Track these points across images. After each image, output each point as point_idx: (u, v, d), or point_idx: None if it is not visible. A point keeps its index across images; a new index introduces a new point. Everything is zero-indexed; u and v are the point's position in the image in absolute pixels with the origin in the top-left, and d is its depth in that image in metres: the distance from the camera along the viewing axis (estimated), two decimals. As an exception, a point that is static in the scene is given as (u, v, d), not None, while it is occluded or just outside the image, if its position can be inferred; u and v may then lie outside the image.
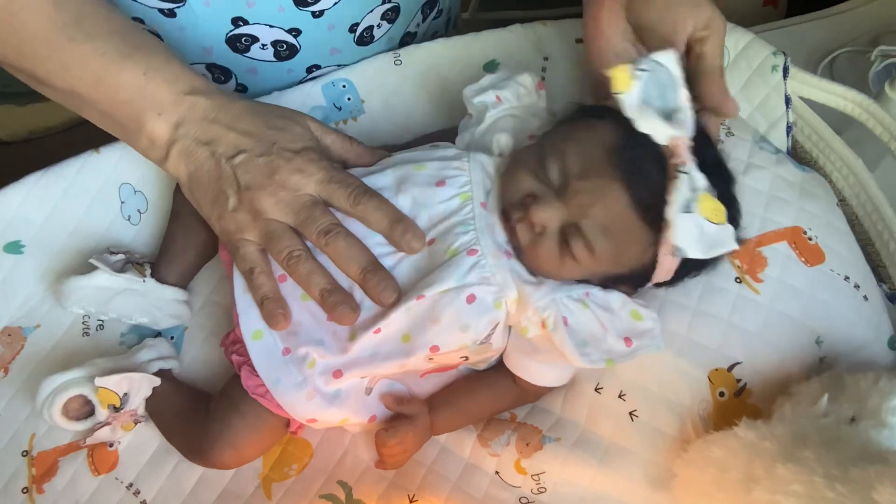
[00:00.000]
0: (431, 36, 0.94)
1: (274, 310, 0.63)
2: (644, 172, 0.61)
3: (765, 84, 0.80)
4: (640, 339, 0.63)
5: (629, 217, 0.61)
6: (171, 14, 0.74)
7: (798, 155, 0.81)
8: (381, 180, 0.67)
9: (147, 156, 0.66)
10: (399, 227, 0.62)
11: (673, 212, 0.58)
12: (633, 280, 0.66)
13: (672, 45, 0.65)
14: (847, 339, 0.69)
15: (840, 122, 0.79)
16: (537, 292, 0.63)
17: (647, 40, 0.69)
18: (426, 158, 0.68)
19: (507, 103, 0.72)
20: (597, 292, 0.64)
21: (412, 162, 0.68)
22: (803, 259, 0.71)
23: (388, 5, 0.81)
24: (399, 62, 0.84)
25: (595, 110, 0.68)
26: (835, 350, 0.68)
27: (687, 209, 0.58)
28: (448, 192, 0.65)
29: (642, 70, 0.59)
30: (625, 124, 0.62)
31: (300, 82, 0.83)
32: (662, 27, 0.67)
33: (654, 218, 0.61)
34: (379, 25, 0.83)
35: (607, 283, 0.65)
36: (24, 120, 1.38)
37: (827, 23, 1.04)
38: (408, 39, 0.89)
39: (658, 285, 0.68)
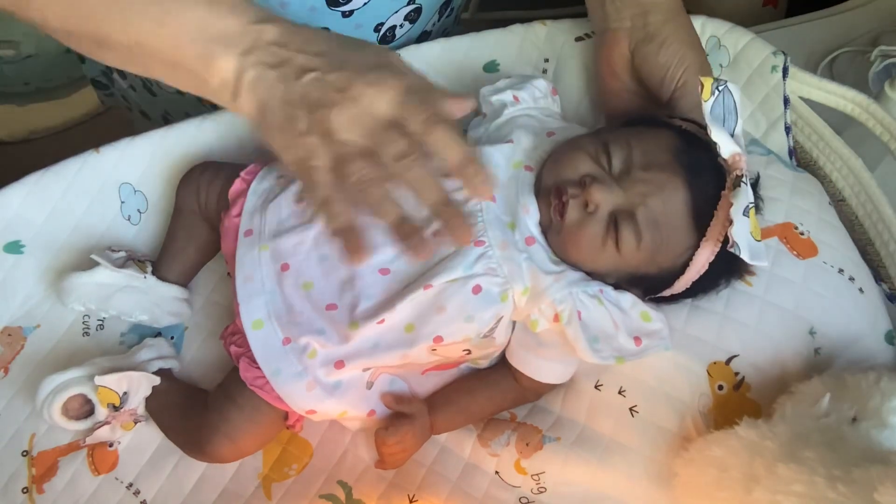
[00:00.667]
0: (443, 33, 0.94)
1: (352, 240, 0.57)
2: (703, 178, 0.63)
3: (765, 84, 0.80)
4: (650, 339, 0.64)
5: (681, 215, 0.63)
6: None
7: (798, 155, 0.81)
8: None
9: (220, 101, 0.60)
10: (472, 166, 0.56)
11: (735, 211, 0.60)
12: (654, 284, 0.67)
13: (664, 80, 0.71)
14: (842, 330, 0.69)
15: (840, 122, 0.79)
16: (556, 284, 0.63)
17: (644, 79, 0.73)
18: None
19: (525, 104, 0.73)
20: (609, 291, 0.65)
21: None
22: (795, 252, 0.72)
23: (412, 6, 0.82)
24: (399, 62, 0.84)
25: (654, 120, 0.70)
26: (830, 341, 0.69)
27: (745, 214, 0.60)
28: (453, 184, 0.66)
29: (720, 89, 0.63)
30: (685, 135, 0.66)
31: None
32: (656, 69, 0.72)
33: (700, 223, 0.63)
34: (401, 25, 0.84)
35: (625, 282, 0.66)
36: (24, 120, 1.38)
37: (827, 23, 1.04)
38: (423, 38, 0.90)
39: (663, 300, 0.69)
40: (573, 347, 0.63)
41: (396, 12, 0.81)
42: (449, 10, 0.91)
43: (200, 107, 0.85)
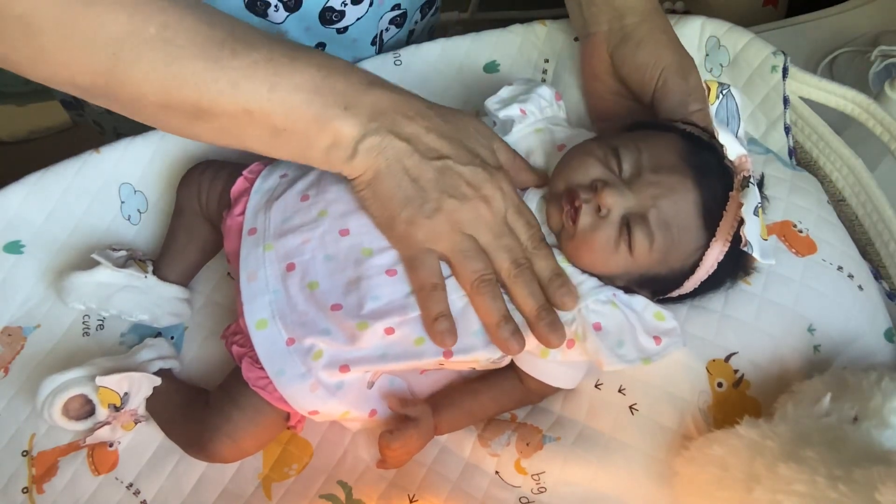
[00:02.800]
0: (428, 31, 0.95)
1: (449, 328, 0.61)
2: (712, 179, 0.64)
3: (765, 84, 0.80)
4: (667, 337, 0.65)
5: (692, 216, 0.64)
6: None
7: (798, 155, 0.81)
8: None
9: (327, 159, 0.60)
10: (560, 281, 0.63)
11: (746, 211, 0.61)
12: (664, 284, 0.67)
13: (644, 82, 0.73)
14: (841, 327, 0.69)
15: (840, 122, 0.79)
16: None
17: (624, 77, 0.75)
18: None
19: (533, 116, 0.73)
20: (621, 294, 0.65)
21: None
22: (794, 250, 0.72)
23: (397, 11, 0.82)
24: (399, 63, 0.84)
25: (658, 124, 0.70)
26: (829, 339, 0.69)
27: (755, 214, 0.61)
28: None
29: (724, 93, 0.67)
30: (691, 138, 0.66)
31: None
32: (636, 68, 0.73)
33: (710, 224, 0.64)
34: (387, 30, 0.84)
35: (635, 285, 0.66)
36: (24, 120, 1.38)
37: (827, 23, 1.04)
38: (409, 39, 0.90)
39: (671, 300, 0.69)
40: (597, 362, 0.64)
41: (381, 18, 0.82)
42: (434, 8, 0.91)
43: None
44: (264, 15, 0.72)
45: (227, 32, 0.55)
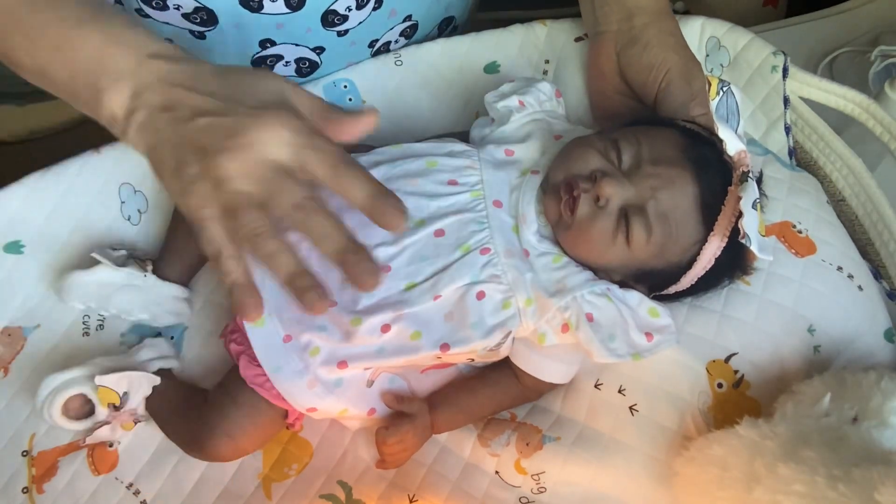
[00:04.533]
0: None
1: (244, 298, 0.54)
2: (711, 173, 0.64)
3: (765, 84, 0.80)
4: (660, 334, 0.65)
5: (690, 209, 0.64)
6: (200, 36, 0.75)
7: (798, 155, 0.81)
8: (387, 172, 0.68)
9: (112, 131, 0.58)
10: (381, 201, 0.53)
11: (744, 204, 0.61)
12: (660, 279, 0.67)
13: (648, 83, 0.73)
14: (841, 328, 0.70)
15: (840, 122, 0.79)
16: (560, 291, 0.64)
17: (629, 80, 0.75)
18: (435, 153, 0.69)
19: (531, 108, 0.73)
20: (616, 289, 0.65)
21: (421, 155, 0.69)
22: (793, 251, 0.72)
23: (408, 23, 0.82)
24: (400, 63, 0.84)
25: (658, 119, 0.71)
26: (829, 339, 0.69)
27: (753, 208, 0.61)
28: (458, 188, 0.66)
29: (724, 90, 0.67)
30: (690, 133, 0.67)
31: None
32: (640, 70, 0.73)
33: (708, 217, 0.64)
34: (396, 41, 0.84)
35: (631, 279, 0.67)
36: (24, 120, 1.38)
37: (827, 23, 1.04)
38: None
39: (667, 297, 0.69)
40: (588, 352, 0.64)
41: (392, 29, 0.82)
42: (451, 26, 0.92)
43: None
44: (259, 9, 0.72)
45: None
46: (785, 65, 0.79)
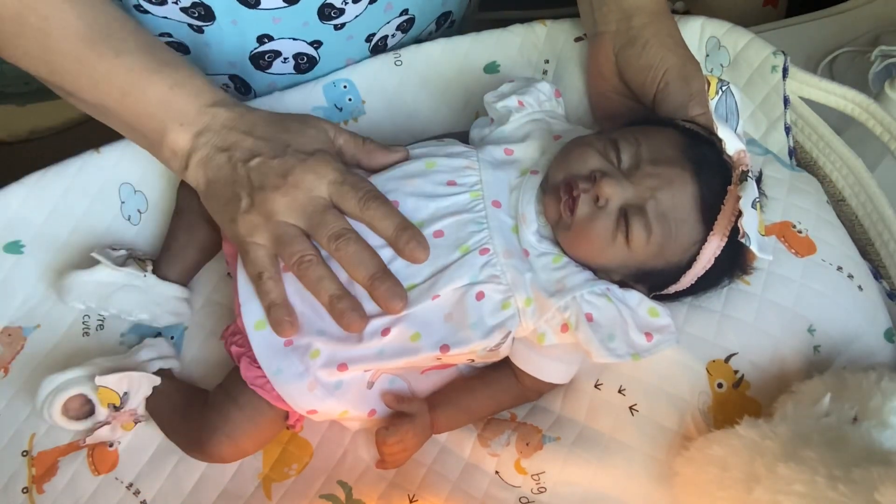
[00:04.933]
0: None
1: (281, 317, 0.63)
2: (710, 172, 0.64)
3: (765, 84, 0.80)
4: (660, 334, 0.65)
5: (690, 209, 0.64)
6: (199, 31, 0.75)
7: (798, 155, 0.81)
8: (389, 173, 0.68)
9: (170, 167, 0.67)
10: (404, 235, 0.62)
11: (744, 203, 0.61)
12: (660, 279, 0.67)
13: (646, 84, 0.73)
14: (841, 328, 0.69)
15: (840, 122, 0.79)
16: (560, 291, 0.64)
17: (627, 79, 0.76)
18: (434, 153, 0.70)
19: (530, 108, 0.73)
20: (615, 289, 0.65)
21: (420, 157, 0.69)
22: (793, 251, 0.72)
23: (404, 17, 0.82)
24: (399, 63, 0.84)
25: (659, 120, 0.71)
26: (829, 339, 0.69)
27: (753, 207, 0.61)
28: (457, 188, 0.66)
29: (723, 89, 0.67)
30: (690, 133, 0.67)
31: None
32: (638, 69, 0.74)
33: (708, 217, 0.64)
34: (393, 35, 0.84)
35: (631, 279, 0.67)
36: (24, 120, 1.38)
37: (827, 23, 1.04)
38: None
39: (667, 297, 0.69)
40: (587, 352, 0.64)
41: (388, 23, 0.82)
42: (449, 21, 0.92)
43: None
44: (256, 5, 0.72)
45: (101, 34, 0.63)
46: (785, 65, 0.79)
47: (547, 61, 0.85)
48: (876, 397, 0.58)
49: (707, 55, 0.83)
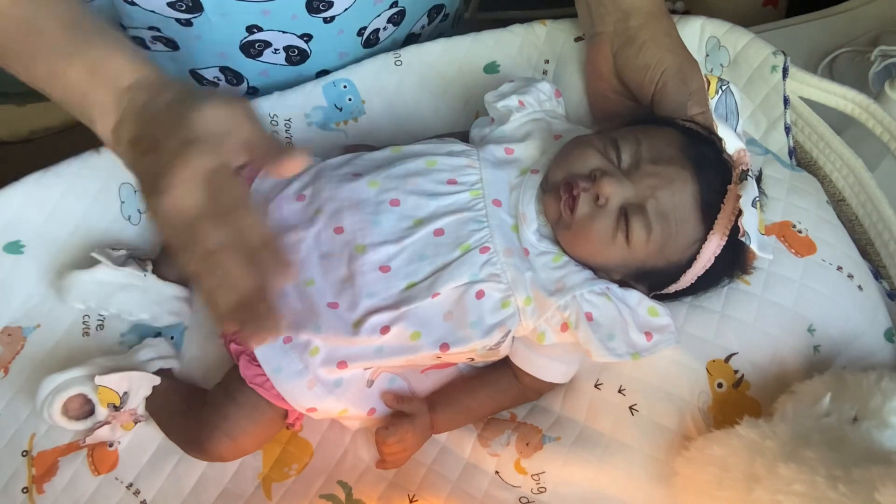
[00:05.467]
0: (437, 37, 0.94)
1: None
2: (710, 171, 0.65)
3: (765, 84, 0.80)
4: (660, 333, 0.65)
5: (690, 208, 0.64)
6: (187, 24, 0.75)
7: (798, 155, 0.81)
8: (390, 172, 0.68)
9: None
10: (269, 250, 0.55)
11: (744, 202, 0.61)
12: (660, 278, 0.67)
13: (644, 84, 0.73)
14: (841, 327, 0.70)
15: (840, 122, 0.79)
16: (559, 290, 0.64)
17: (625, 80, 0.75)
18: (434, 152, 0.70)
19: (531, 108, 0.73)
20: (615, 288, 0.65)
21: (421, 155, 0.69)
22: (793, 251, 0.72)
23: (394, 9, 0.82)
24: (399, 63, 0.84)
25: (659, 119, 0.71)
26: (829, 339, 0.69)
27: (753, 206, 0.61)
28: (457, 187, 0.66)
29: (723, 88, 0.66)
30: (690, 132, 0.67)
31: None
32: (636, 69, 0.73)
33: (708, 216, 0.64)
34: (385, 28, 0.84)
35: (631, 278, 0.67)
36: (24, 120, 1.38)
37: (827, 23, 1.04)
38: (411, 40, 0.90)
39: (667, 296, 0.69)
40: (587, 351, 0.64)
41: (379, 16, 0.82)
42: (442, 14, 0.92)
43: None
44: None
45: (28, 11, 0.59)
46: (785, 65, 0.79)
47: (547, 61, 0.85)
48: (876, 397, 0.58)
49: (707, 55, 0.83)
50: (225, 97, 0.59)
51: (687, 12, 0.99)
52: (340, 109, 0.83)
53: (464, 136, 0.76)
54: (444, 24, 0.94)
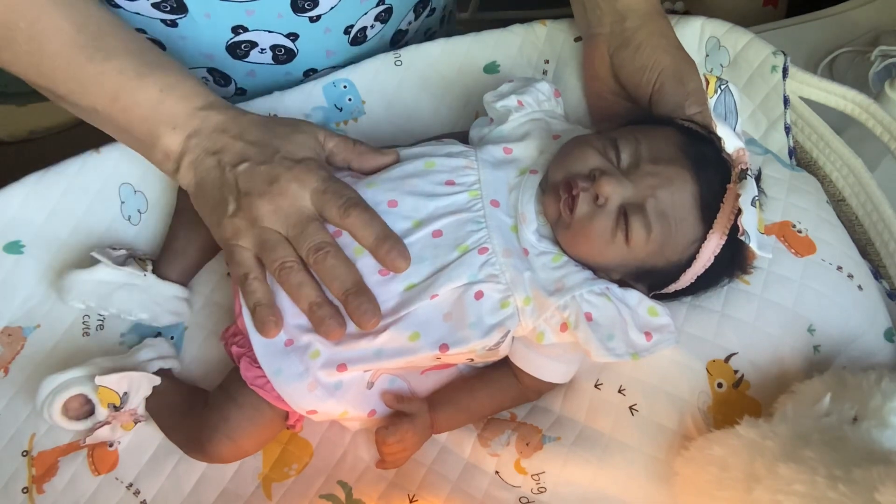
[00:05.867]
0: (425, 33, 0.94)
1: (266, 316, 0.63)
2: (709, 171, 0.65)
3: (765, 84, 0.80)
4: (659, 333, 0.65)
5: (689, 207, 0.64)
6: (173, 24, 0.75)
7: (798, 155, 0.81)
8: (388, 174, 0.68)
9: (162, 168, 0.68)
10: (385, 244, 0.63)
11: (743, 201, 0.61)
12: (660, 278, 0.67)
13: (641, 85, 0.73)
14: (841, 327, 0.69)
15: (840, 122, 0.79)
16: (559, 290, 0.64)
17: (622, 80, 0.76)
18: (433, 153, 0.70)
19: (529, 108, 0.73)
20: (615, 288, 0.65)
21: (420, 157, 0.69)
22: (793, 250, 0.72)
23: (381, 7, 0.82)
24: (400, 63, 0.84)
25: (658, 119, 0.71)
26: (829, 339, 0.69)
27: (752, 205, 0.61)
28: (455, 188, 0.66)
29: (722, 88, 0.67)
30: (689, 132, 0.67)
31: (298, 84, 0.83)
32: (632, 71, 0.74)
33: (707, 215, 0.64)
34: (372, 26, 0.84)
35: (631, 278, 0.67)
36: (24, 120, 1.38)
37: (827, 23, 1.04)
38: (399, 37, 0.90)
39: (667, 296, 0.69)
40: (586, 352, 0.64)
41: (366, 13, 0.82)
42: (429, 9, 0.91)
43: None
44: None
45: (90, 37, 0.63)
46: (785, 65, 0.79)
47: (547, 61, 0.86)
48: (876, 397, 0.58)
49: (707, 55, 0.83)
50: (305, 122, 0.69)
51: (687, 12, 1.00)
52: (340, 109, 0.83)
53: (463, 137, 0.76)
54: (431, 20, 0.94)
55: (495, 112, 0.74)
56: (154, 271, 0.73)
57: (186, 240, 0.75)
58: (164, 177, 0.78)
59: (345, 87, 0.83)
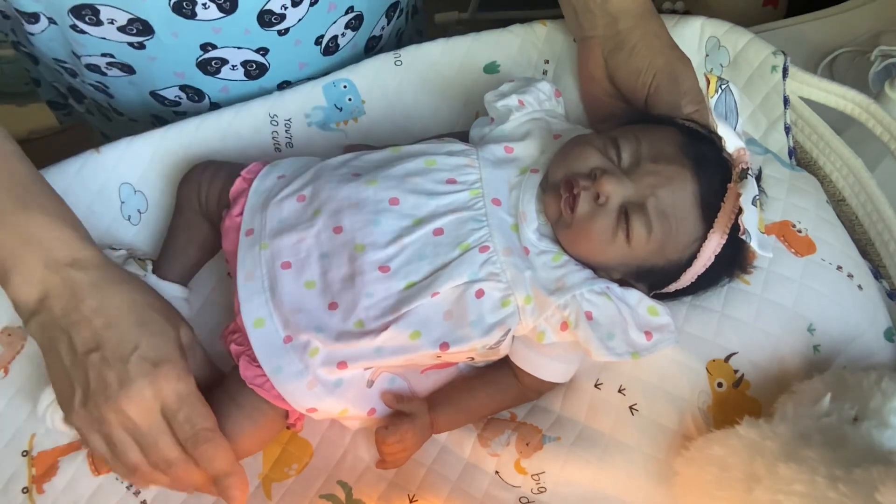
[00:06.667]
0: (396, 35, 0.94)
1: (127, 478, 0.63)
2: (710, 170, 0.65)
3: (765, 84, 0.80)
4: (660, 333, 0.65)
5: (690, 206, 0.64)
6: (140, 46, 0.74)
7: (798, 155, 0.81)
8: (389, 172, 0.68)
9: (16, 311, 0.63)
10: (226, 480, 0.61)
11: (744, 200, 0.61)
12: (660, 277, 0.67)
13: (636, 87, 0.73)
14: (841, 327, 0.70)
15: (840, 122, 0.79)
16: (559, 289, 0.64)
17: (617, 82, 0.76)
18: (434, 152, 0.70)
19: (530, 107, 0.73)
20: (615, 288, 0.65)
21: (420, 155, 0.69)
22: (793, 250, 0.72)
23: (350, 14, 0.82)
24: (399, 63, 0.84)
25: (659, 118, 0.71)
26: (829, 339, 0.69)
27: (753, 204, 0.61)
28: (457, 186, 0.66)
29: (722, 87, 0.67)
30: (689, 131, 0.67)
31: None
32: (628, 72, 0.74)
33: (708, 214, 0.64)
34: (343, 34, 0.84)
35: (631, 277, 0.67)
36: (24, 120, 1.38)
37: (827, 23, 1.04)
38: (373, 44, 0.89)
39: (667, 296, 0.69)
40: (586, 351, 0.64)
41: (335, 22, 0.81)
42: (398, 11, 0.91)
43: None
44: (192, 16, 0.71)
45: None
46: (785, 65, 0.79)
47: (547, 61, 0.86)
48: (876, 397, 0.58)
49: (707, 55, 0.83)
50: (176, 314, 0.65)
51: (687, 12, 1.00)
52: (340, 109, 0.83)
53: (464, 136, 0.76)
54: (399, 21, 0.93)
55: (496, 111, 0.74)
56: (154, 271, 0.73)
57: (186, 239, 0.75)
58: (165, 177, 0.78)
59: (345, 86, 0.83)
